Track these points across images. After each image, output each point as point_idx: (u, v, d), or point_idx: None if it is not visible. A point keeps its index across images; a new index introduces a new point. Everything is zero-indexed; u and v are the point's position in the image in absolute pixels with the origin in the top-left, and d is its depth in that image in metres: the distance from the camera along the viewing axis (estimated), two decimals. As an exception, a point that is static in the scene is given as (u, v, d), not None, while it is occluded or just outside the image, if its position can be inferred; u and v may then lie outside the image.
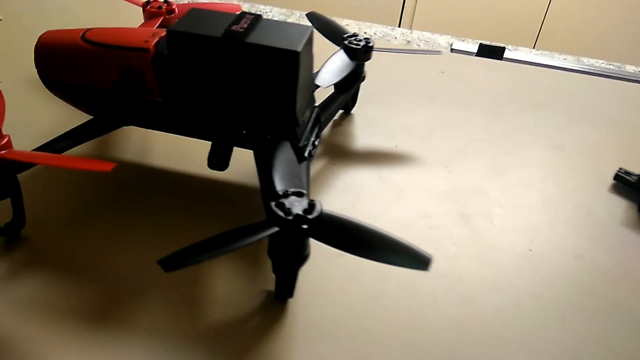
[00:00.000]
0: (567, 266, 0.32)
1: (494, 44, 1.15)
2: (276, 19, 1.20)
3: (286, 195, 0.25)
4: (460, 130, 0.44)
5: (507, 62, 0.56)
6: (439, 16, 1.81)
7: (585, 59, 1.24)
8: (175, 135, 0.34)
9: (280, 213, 0.24)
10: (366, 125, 0.43)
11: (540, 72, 0.55)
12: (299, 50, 0.29)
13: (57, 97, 0.35)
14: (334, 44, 0.41)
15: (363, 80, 0.42)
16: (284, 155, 0.29)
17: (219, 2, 0.44)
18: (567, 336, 0.28)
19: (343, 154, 0.40)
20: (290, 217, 0.24)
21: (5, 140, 0.27)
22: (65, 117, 0.40)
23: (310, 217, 0.24)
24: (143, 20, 0.42)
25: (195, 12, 0.32)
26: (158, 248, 0.31)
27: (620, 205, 0.37)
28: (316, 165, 0.39)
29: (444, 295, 0.30)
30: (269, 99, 0.30)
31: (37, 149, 0.31)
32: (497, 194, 0.37)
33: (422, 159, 0.40)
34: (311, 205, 0.25)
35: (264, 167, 0.31)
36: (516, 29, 1.77)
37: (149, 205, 0.34)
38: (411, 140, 0.42)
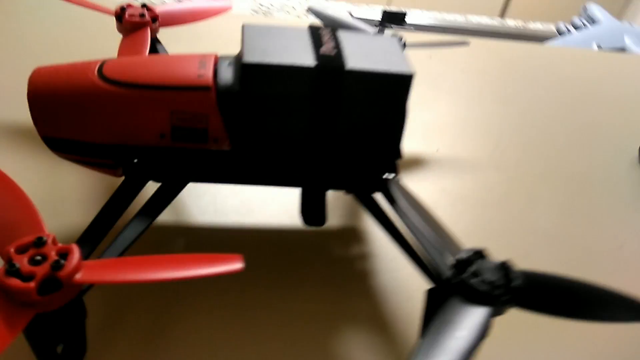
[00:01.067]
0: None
1: (395, 9, 1.16)
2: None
3: (470, 261, 0.21)
4: (485, 124, 0.42)
5: (486, 41, 0.55)
6: None
7: (471, 17, 1.30)
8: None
9: (485, 288, 0.20)
10: (393, 130, 0.39)
11: (517, 48, 0.55)
12: (413, 72, 0.24)
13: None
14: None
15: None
16: (415, 203, 0.24)
17: (204, 3, 0.36)
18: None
19: (391, 169, 0.36)
20: (498, 291, 0.20)
21: (75, 256, 0.18)
22: (61, 172, 0.30)
23: (517, 284, 0.20)
24: (118, 32, 0.32)
25: (254, 31, 0.25)
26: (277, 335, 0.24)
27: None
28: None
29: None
30: (372, 132, 0.25)
31: (86, 240, 0.21)
32: (563, 194, 0.36)
33: (469, 163, 0.37)
34: (506, 269, 0.21)
35: (385, 220, 0.25)
36: None
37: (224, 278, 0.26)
38: (447, 142, 0.39)
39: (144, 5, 0.33)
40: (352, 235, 0.30)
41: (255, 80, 0.23)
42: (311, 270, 0.28)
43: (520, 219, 0.33)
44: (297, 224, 0.30)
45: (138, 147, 0.24)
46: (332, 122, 0.24)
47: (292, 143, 0.25)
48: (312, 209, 0.26)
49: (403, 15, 1.25)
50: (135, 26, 0.32)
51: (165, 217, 0.29)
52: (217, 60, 0.25)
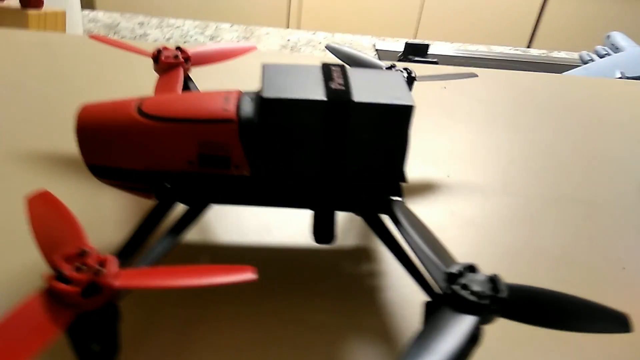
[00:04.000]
0: (659, 278, 0.34)
1: (418, 41, 1.19)
2: (191, 32, 1.13)
3: (461, 273, 0.23)
4: (495, 150, 0.44)
5: (501, 71, 0.57)
6: (322, 14, 1.84)
7: (494, 47, 1.32)
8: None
9: (473, 298, 0.22)
10: (407, 157, 0.42)
11: (533, 77, 0.57)
12: (413, 104, 0.26)
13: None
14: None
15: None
16: (416, 222, 0.26)
17: (231, 44, 0.40)
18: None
19: (403, 193, 0.38)
20: (485, 302, 0.22)
21: (112, 265, 0.21)
22: (103, 197, 0.33)
23: (503, 296, 0.22)
24: (155, 73, 0.36)
25: (272, 70, 0.28)
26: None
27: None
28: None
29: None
30: (377, 158, 0.28)
31: (123, 253, 0.25)
32: (569, 218, 0.38)
33: (478, 188, 0.39)
34: (494, 281, 0.23)
35: (389, 238, 0.28)
36: (393, 22, 1.86)
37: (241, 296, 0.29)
38: (458, 167, 0.41)
39: (178, 48, 0.37)
40: (364, 254, 0.32)
41: (272, 114, 0.26)
42: (325, 285, 0.30)
43: (526, 241, 0.35)
44: (312, 244, 0.33)
45: (170, 173, 0.27)
46: (341, 150, 0.27)
47: (305, 170, 0.27)
48: (323, 228, 0.29)
49: (426, 47, 1.27)
50: (169, 66, 0.36)
51: (193, 236, 0.32)
52: (240, 96, 0.28)
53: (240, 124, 0.26)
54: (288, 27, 1.90)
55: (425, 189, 0.38)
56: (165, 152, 0.27)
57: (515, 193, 0.39)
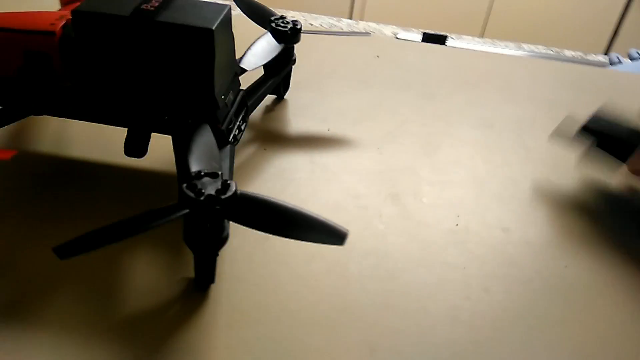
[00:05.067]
0: (492, 239, 0.33)
1: (436, 32, 1.17)
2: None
3: (199, 176, 0.24)
4: (393, 113, 0.44)
5: (443, 47, 0.56)
6: (388, 7, 1.83)
7: (525, 45, 1.27)
8: (92, 123, 0.33)
9: (191, 194, 0.23)
10: (299, 110, 0.43)
11: (476, 55, 0.56)
12: (213, 28, 0.28)
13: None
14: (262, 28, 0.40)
15: (293, 64, 0.42)
16: (202, 138, 0.28)
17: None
18: (490, 306, 0.29)
19: (275, 139, 0.39)
20: (201, 198, 0.23)
21: None
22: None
23: (222, 197, 0.23)
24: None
25: (106, -9, 0.31)
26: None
27: (545, 180, 0.38)
28: (247, 151, 0.38)
29: (370, 273, 0.29)
30: (185, 81, 0.29)
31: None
32: (426, 173, 0.37)
33: (354, 142, 0.40)
34: (225, 186, 0.24)
35: (181, 150, 0.30)
36: (465, 20, 1.82)
37: (66, 199, 0.32)
38: (344, 124, 0.42)
39: (83, -15, 0.40)
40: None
41: (80, 26, 0.29)
42: (145, 203, 0.32)
43: (374, 194, 0.35)
44: (158, 165, 0.35)
45: (3, 77, 0.31)
46: (149, 69, 0.29)
47: (115, 85, 0.30)
48: (135, 144, 0.31)
49: (443, 38, 1.25)
50: (70, 1, 0.39)
51: (43, 147, 0.36)
52: (79, 16, 0.31)
53: (61, 37, 0.29)
54: (351, 18, 1.91)
55: (297, 139, 0.39)
56: None
57: (385, 150, 0.39)
